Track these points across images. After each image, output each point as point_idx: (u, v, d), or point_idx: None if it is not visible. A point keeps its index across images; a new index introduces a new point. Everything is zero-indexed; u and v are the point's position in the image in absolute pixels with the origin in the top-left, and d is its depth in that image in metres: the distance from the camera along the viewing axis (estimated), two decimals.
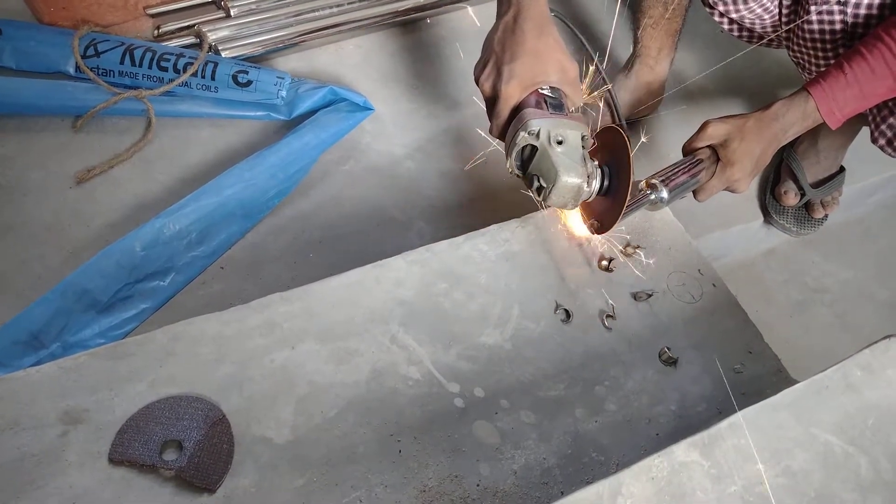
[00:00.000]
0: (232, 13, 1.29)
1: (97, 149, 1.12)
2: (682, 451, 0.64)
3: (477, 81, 0.80)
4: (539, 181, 0.77)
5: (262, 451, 0.70)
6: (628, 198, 0.78)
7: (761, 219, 1.33)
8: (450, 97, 1.34)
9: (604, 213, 0.83)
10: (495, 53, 0.77)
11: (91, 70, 1.15)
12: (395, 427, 0.74)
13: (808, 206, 1.32)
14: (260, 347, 0.77)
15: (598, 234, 0.85)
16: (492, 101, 0.79)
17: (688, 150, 0.93)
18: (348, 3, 1.36)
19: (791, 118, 0.89)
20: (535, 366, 0.82)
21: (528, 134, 0.75)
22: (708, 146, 0.91)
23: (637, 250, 0.95)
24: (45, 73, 1.17)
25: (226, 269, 1.05)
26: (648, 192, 0.85)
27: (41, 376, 0.71)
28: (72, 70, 1.16)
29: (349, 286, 0.85)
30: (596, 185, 0.79)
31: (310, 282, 0.85)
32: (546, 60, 0.77)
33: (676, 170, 0.89)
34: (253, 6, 1.31)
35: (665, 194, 0.85)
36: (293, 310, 0.81)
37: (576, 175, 0.75)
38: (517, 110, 0.78)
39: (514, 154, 0.77)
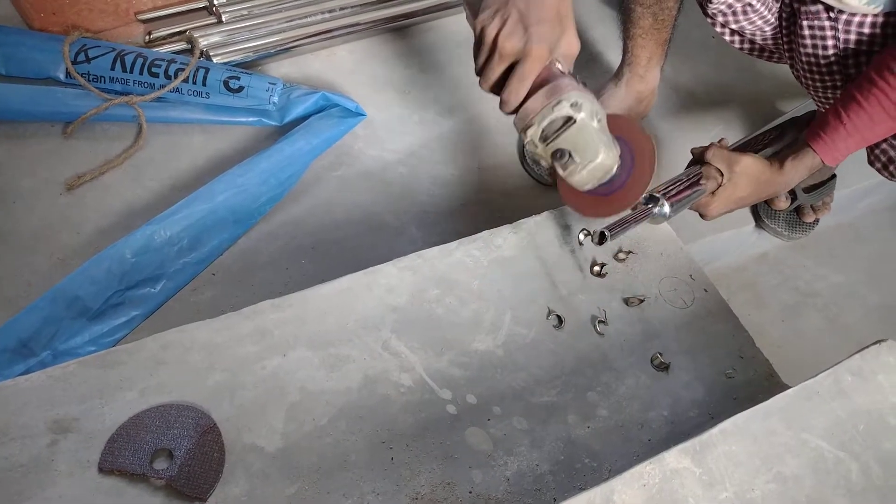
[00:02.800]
0: (223, 19, 1.29)
1: (88, 155, 1.12)
2: (674, 458, 0.64)
3: (484, 34, 0.75)
4: (570, 156, 0.75)
5: (254, 459, 0.69)
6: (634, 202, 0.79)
7: (752, 223, 1.33)
8: (442, 103, 1.34)
9: (599, 203, 0.83)
10: (518, 10, 0.73)
11: (81, 76, 1.14)
12: (387, 434, 0.74)
13: (798, 211, 1.33)
14: (251, 355, 0.77)
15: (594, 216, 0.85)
16: (507, 58, 0.74)
17: (698, 158, 0.93)
18: (340, 9, 1.36)
19: (799, 174, 0.94)
20: (528, 372, 0.82)
21: (572, 106, 0.73)
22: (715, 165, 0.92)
23: (629, 256, 0.95)
24: (35, 78, 1.16)
25: (217, 276, 1.04)
26: (650, 205, 0.85)
27: (30, 385, 0.70)
28: (62, 76, 1.15)
29: (341, 293, 0.85)
30: (616, 170, 0.78)
31: (302, 288, 0.85)
32: (567, 30, 0.75)
33: (678, 184, 0.89)
34: (245, 12, 1.31)
35: (667, 209, 0.85)
36: (285, 317, 0.81)
37: (613, 156, 0.75)
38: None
39: (544, 123, 0.75)
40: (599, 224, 0.87)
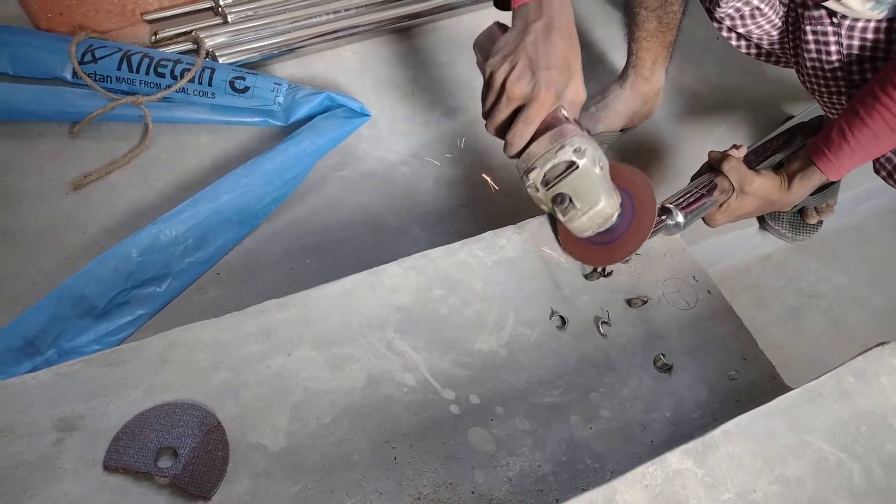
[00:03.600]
0: (229, 19, 1.30)
1: (94, 155, 1.13)
2: (676, 459, 0.64)
3: (493, 78, 0.77)
4: (570, 201, 0.76)
5: (258, 458, 0.70)
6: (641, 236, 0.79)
7: (756, 225, 1.33)
8: (446, 104, 1.34)
9: (598, 252, 0.83)
10: (527, 55, 0.76)
11: (88, 76, 1.15)
12: (390, 434, 0.74)
13: (802, 213, 1.33)
14: (255, 354, 0.77)
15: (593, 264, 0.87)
16: (515, 102, 0.77)
17: (714, 165, 0.94)
18: (345, 10, 1.36)
19: (806, 192, 0.95)
20: (531, 372, 0.82)
21: (575, 151, 0.74)
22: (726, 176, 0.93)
23: (632, 257, 0.95)
24: (42, 78, 1.17)
25: (222, 275, 1.05)
26: (664, 217, 0.86)
27: (36, 383, 0.71)
28: (69, 76, 1.16)
29: (345, 293, 0.85)
30: (616, 219, 0.79)
31: (306, 288, 0.85)
32: (574, 78, 0.77)
33: (690, 195, 0.89)
34: (250, 12, 1.31)
35: (680, 219, 0.86)
36: (289, 316, 0.81)
37: (614, 203, 0.75)
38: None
39: (546, 167, 0.76)
40: None
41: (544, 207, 0.80)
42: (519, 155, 0.78)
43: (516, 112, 0.77)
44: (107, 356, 0.75)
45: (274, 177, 1.09)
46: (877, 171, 1.01)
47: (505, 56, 0.76)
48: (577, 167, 0.74)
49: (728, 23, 1.06)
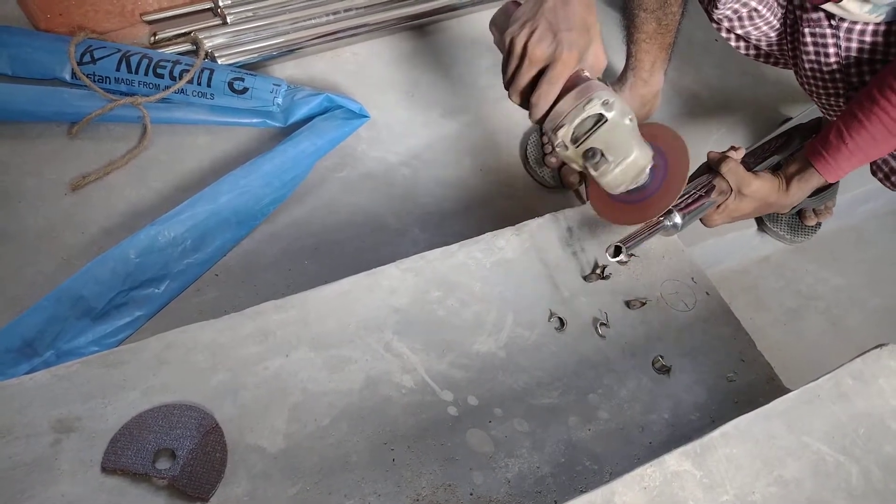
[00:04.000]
0: (228, 20, 1.30)
1: (92, 155, 1.13)
2: (675, 461, 0.64)
3: (513, 44, 0.76)
4: (602, 155, 0.75)
5: (256, 459, 0.70)
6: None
7: (755, 227, 1.33)
8: (445, 105, 1.34)
9: (630, 210, 0.83)
10: (547, 20, 0.75)
11: (87, 77, 1.15)
12: (388, 435, 0.74)
13: (800, 215, 1.33)
14: (254, 355, 0.77)
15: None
16: (537, 63, 0.76)
17: (713, 165, 0.94)
18: (345, 11, 1.36)
19: (804, 194, 0.96)
20: (529, 374, 0.82)
21: (603, 104, 0.73)
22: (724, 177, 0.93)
23: (631, 258, 0.96)
24: (41, 79, 1.17)
25: (220, 277, 1.05)
26: (662, 218, 0.85)
27: (34, 384, 0.71)
28: (68, 76, 1.16)
29: (343, 294, 0.85)
30: (649, 173, 0.78)
31: (305, 289, 0.85)
32: (595, 41, 0.76)
33: (688, 196, 0.89)
34: (250, 13, 1.31)
35: (678, 220, 0.85)
36: (287, 318, 0.81)
37: (647, 154, 0.75)
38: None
39: (575, 122, 0.74)
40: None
41: (575, 166, 0.78)
42: (544, 118, 0.77)
43: (539, 76, 0.76)
44: (105, 357, 0.75)
45: (273, 178, 1.09)
46: (874, 174, 1.01)
47: (524, 22, 0.75)
48: (607, 120, 0.73)
49: (726, 24, 1.06)
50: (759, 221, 1.35)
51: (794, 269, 1.40)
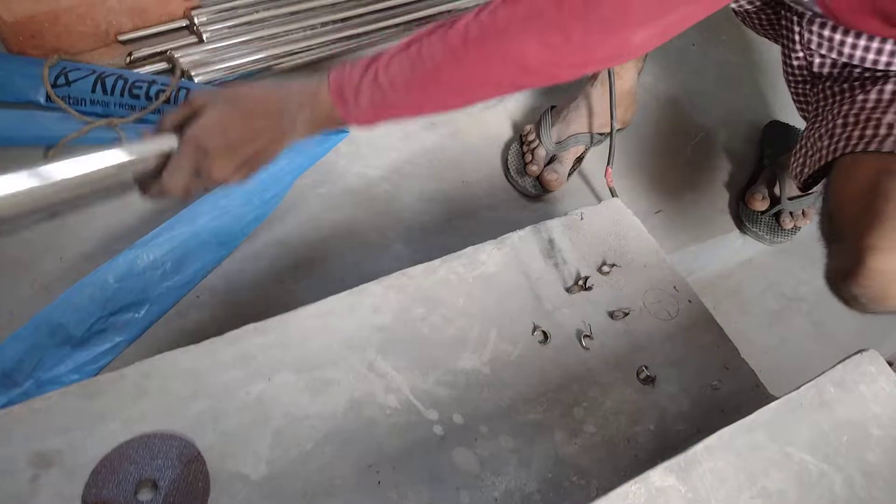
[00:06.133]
0: (205, 38, 1.29)
1: None
2: (659, 477, 0.64)
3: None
4: None
5: (239, 487, 0.69)
6: None
7: (737, 231, 1.34)
8: (425, 117, 1.34)
9: None
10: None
11: (62, 99, 1.14)
12: (373, 457, 0.74)
13: (778, 217, 1.33)
14: (235, 381, 0.77)
15: None
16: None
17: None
18: (322, 26, 1.36)
19: (309, 117, 0.82)
20: (514, 389, 0.82)
21: None
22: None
23: (613, 269, 0.96)
24: (14, 103, 1.15)
25: (202, 299, 1.04)
26: None
27: (11, 418, 0.70)
28: (42, 100, 1.14)
29: (325, 314, 0.84)
30: None
31: (288, 308, 0.85)
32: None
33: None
34: (226, 31, 1.30)
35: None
36: (268, 340, 0.81)
37: None
38: None
39: None
40: None
41: None
42: None
43: None
44: (83, 388, 0.74)
45: (252, 196, 1.08)
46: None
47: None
48: None
49: None
50: (739, 222, 1.36)
51: (777, 272, 1.41)
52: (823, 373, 0.74)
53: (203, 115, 0.77)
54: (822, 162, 0.92)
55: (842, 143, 0.88)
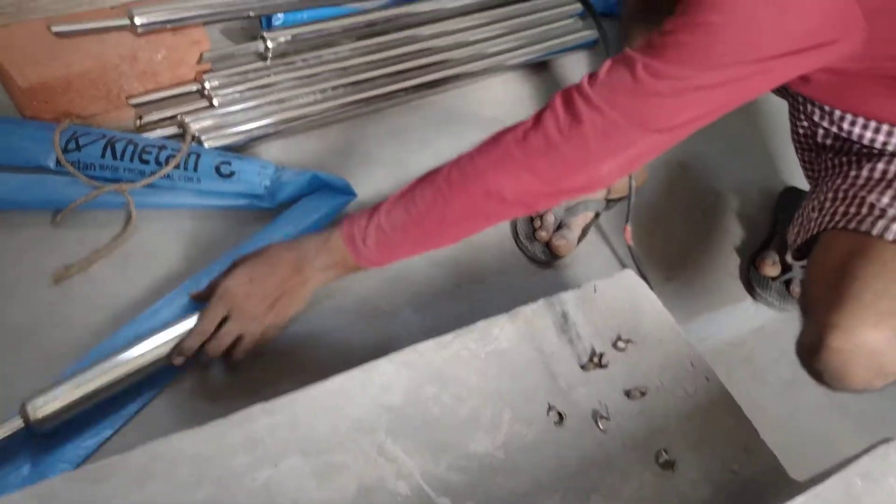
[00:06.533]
0: (216, 102, 1.30)
1: (76, 244, 1.10)
2: None
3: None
4: None
5: None
6: None
7: (749, 299, 1.33)
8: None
9: None
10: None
11: (72, 164, 1.14)
12: None
13: (788, 284, 1.32)
14: (241, 466, 0.74)
15: None
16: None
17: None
18: (332, 90, 1.37)
19: (326, 260, 0.93)
20: (529, 475, 0.80)
21: None
22: None
23: (628, 344, 0.94)
24: (25, 167, 1.15)
25: (205, 371, 1.02)
26: None
27: None
28: (52, 164, 1.15)
29: (334, 393, 0.82)
30: None
31: (292, 381, 0.83)
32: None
33: None
34: (237, 95, 1.31)
35: None
36: (275, 422, 0.78)
37: None
38: None
39: None
40: None
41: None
42: None
43: None
44: (87, 473, 0.72)
45: None
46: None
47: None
48: None
49: None
50: (750, 288, 1.35)
51: (789, 339, 1.37)
52: (849, 463, 0.72)
53: (232, 272, 0.92)
54: (810, 234, 0.93)
55: (827, 218, 0.90)
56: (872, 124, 0.91)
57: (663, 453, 0.83)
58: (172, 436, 0.75)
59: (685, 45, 0.74)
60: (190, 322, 0.92)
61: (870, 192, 0.89)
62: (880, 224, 0.83)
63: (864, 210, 0.86)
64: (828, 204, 0.92)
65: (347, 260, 0.91)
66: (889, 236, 0.81)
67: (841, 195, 0.91)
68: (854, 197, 0.89)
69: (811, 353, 0.84)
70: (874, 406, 1.31)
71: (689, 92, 0.76)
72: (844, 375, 0.82)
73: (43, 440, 0.88)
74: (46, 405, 0.85)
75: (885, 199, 0.86)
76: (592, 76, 0.79)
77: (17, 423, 0.84)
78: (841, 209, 0.89)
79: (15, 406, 0.86)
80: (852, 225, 0.85)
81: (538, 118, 0.81)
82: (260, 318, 0.92)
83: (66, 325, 1.01)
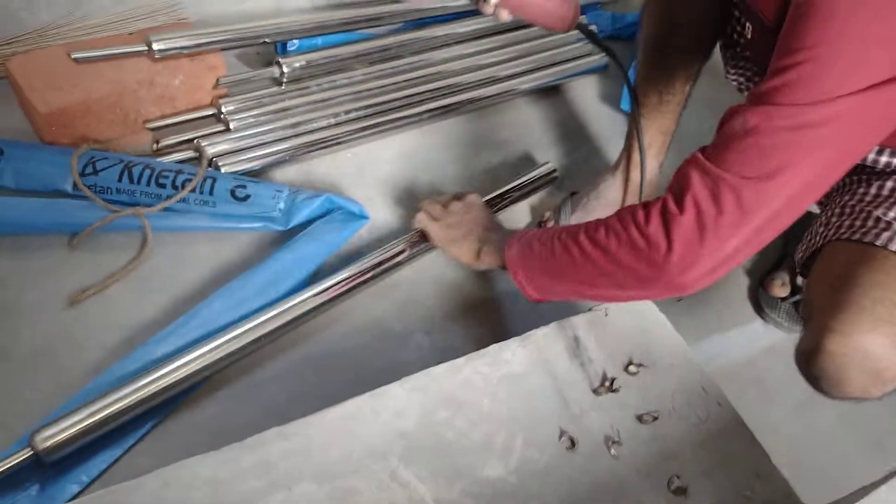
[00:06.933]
0: (232, 126, 1.31)
1: (92, 267, 1.12)
2: None
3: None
4: None
5: None
6: None
7: (759, 320, 1.33)
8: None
9: None
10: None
11: (89, 188, 1.15)
12: None
13: (797, 305, 1.32)
14: (255, 491, 0.75)
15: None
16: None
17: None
18: (345, 113, 1.39)
19: (491, 261, 1.09)
20: (542, 501, 0.80)
21: None
22: None
23: (640, 368, 0.94)
24: (43, 191, 1.17)
25: (219, 392, 1.02)
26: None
27: None
28: (69, 188, 1.16)
29: (347, 418, 0.83)
30: None
31: (305, 403, 0.84)
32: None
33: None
34: (253, 119, 1.33)
35: None
36: (289, 447, 0.79)
37: None
38: None
39: None
40: None
41: None
42: None
43: None
44: (102, 498, 0.73)
45: (269, 288, 1.09)
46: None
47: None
48: None
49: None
50: (759, 309, 1.35)
51: None
52: (867, 494, 0.71)
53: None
54: (815, 248, 0.93)
55: (832, 231, 0.90)
56: (888, 150, 0.92)
57: (675, 479, 0.83)
58: (186, 461, 0.76)
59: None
60: (201, 349, 0.93)
61: (877, 207, 0.89)
62: (885, 235, 0.83)
63: (871, 223, 0.87)
64: (834, 219, 0.92)
65: (500, 252, 1.04)
66: (893, 247, 0.82)
67: (848, 210, 0.91)
68: (861, 211, 0.89)
69: (808, 357, 0.84)
70: (887, 424, 1.30)
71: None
72: (840, 380, 0.81)
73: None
74: (55, 436, 0.85)
75: (892, 214, 0.86)
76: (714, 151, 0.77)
77: (26, 453, 0.84)
78: (847, 222, 0.89)
79: (29, 425, 0.87)
80: (856, 236, 0.86)
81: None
82: (447, 234, 1.14)
83: (82, 346, 1.02)
